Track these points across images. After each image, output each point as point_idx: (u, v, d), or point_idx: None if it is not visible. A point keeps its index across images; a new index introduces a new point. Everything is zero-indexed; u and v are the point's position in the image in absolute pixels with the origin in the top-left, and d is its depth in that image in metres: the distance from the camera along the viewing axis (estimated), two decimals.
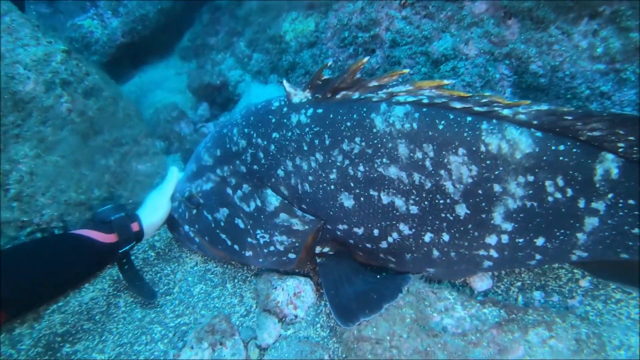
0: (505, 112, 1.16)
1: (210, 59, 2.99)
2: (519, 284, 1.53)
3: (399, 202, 1.24)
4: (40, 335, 1.69)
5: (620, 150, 1.14)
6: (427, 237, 1.27)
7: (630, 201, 1.14)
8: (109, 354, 1.67)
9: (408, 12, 2.06)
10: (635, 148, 1.13)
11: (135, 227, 1.64)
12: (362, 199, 1.28)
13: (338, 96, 1.29)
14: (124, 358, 1.63)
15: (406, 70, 1.24)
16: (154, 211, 1.73)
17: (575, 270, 1.52)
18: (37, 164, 1.75)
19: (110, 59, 3.13)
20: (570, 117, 1.12)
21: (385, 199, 1.26)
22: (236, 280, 1.77)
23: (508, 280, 1.54)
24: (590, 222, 1.18)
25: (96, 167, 1.89)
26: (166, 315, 1.73)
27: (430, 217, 1.25)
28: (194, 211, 1.64)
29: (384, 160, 1.23)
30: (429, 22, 2.04)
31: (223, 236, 1.54)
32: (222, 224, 1.52)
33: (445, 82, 1.19)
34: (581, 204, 1.17)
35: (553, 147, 1.15)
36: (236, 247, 1.52)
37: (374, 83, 1.25)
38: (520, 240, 1.24)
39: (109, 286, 1.85)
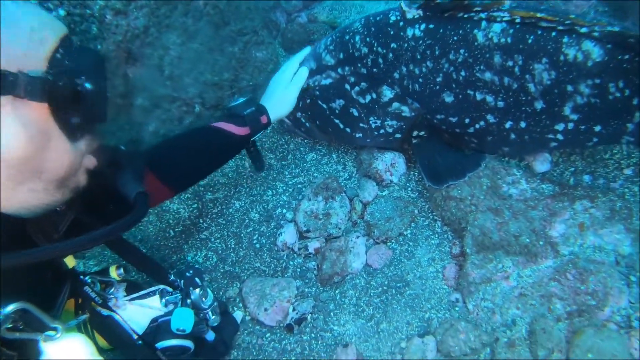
0: (583, 30, 1.42)
1: None
2: (572, 169, 1.89)
3: (490, 98, 1.59)
4: None
5: None
6: (508, 124, 1.63)
7: None
8: (244, 200, 2.22)
9: None
10: None
11: (264, 119, 1.75)
12: (460, 96, 1.63)
13: (446, 14, 1.57)
14: (257, 205, 2.18)
15: (506, 2, 1.50)
16: (281, 106, 1.85)
17: (622, 161, 1.87)
18: (183, 50, 2.11)
19: None
20: (633, 40, 1.38)
21: (479, 96, 1.60)
22: (340, 152, 2.22)
23: (563, 166, 1.89)
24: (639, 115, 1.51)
25: (225, 54, 2.25)
26: (285, 176, 2.20)
27: (512, 110, 1.59)
28: (308, 100, 1.94)
29: (482, 67, 1.55)
30: None
31: (336, 121, 1.91)
32: (337, 111, 1.88)
33: (539, 14, 1.44)
34: (635, 101, 1.47)
35: (619, 57, 1.43)
36: (348, 129, 1.90)
37: (477, 8, 1.51)
38: (583, 127, 1.57)
39: None
